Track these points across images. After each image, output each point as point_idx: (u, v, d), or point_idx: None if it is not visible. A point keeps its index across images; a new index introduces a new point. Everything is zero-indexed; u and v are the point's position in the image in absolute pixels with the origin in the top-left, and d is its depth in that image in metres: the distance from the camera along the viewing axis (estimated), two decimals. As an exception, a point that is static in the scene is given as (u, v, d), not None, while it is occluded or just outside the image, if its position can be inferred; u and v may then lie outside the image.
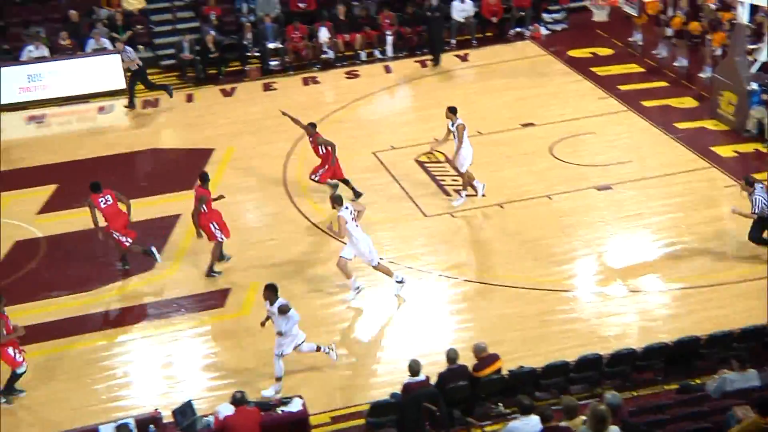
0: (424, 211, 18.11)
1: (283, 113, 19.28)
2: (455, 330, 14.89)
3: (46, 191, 19.64)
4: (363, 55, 26.28)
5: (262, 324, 13.75)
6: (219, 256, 16.49)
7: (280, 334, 13.36)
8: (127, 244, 16.46)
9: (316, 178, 18.32)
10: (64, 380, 14.10)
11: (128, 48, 24.05)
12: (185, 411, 12.12)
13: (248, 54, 25.99)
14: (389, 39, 26.23)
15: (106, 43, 25.37)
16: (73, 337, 15.10)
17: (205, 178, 16.45)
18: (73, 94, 24.64)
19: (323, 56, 26.01)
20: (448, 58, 25.75)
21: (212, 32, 25.65)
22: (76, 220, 17.97)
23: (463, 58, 25.95)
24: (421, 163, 19.88)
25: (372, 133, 21.64)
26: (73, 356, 14.64)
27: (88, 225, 16.76)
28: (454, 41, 26.59)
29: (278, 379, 13.46)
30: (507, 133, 21.13)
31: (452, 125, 17.84)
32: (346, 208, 15.21)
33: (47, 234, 18.00)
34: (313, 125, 18.40)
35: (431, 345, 14.05)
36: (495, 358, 12.65)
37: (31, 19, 26.21)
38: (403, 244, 17.14)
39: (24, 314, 15.43)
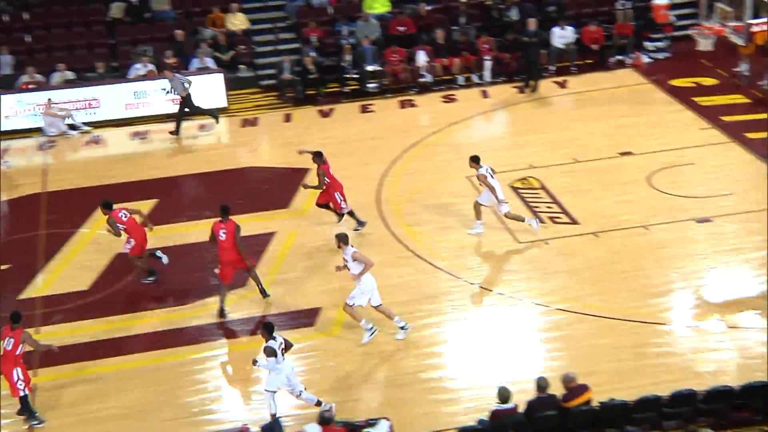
0: (517, 237, 17.96)
1: (302, 152, 19.15)
2: (545, 359, 14.70)
3: (146, 205, 20.08)
4: (461, 79, 26.30)
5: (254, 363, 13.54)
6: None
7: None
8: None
9: (345, 210, 18.31)
10: (157, 392, 14.35)
11: (177, 75, 24.14)
12: (273, 428, 12.22)
13: (347, 76, 26.26)
14: (487, 64, 26.20)
15: (210, 62, 25.96)
16: (168, 349, 15.38)
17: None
18: (176, 112, 25.20)
19: (421, 80, 26.11)
20: (546, 85, 25.59)
21: (312, 53, 26.00)
22: (174, 234, 18.35)
23: (562, 85, 25.75)
24: (515, 189, 19.75)
25: (466, 158, 21.49)
26: (166, 368, 14.91)
27: (185, 240, 17.11)
28: (553, 68, 26.41)
29: (273, 415, 13.18)
30: (604, 161, 20.85)
31: (479, 172, 17.70)
32: (352, 247, 15.00)
33: (148, 247, 18.37)
34: (319, 154, 18.32)
35: (520, 372, 13.90)
36: (585, 388, 12.45)
37: (139, 38, 26.99)
38: (495, 270, 17.03)
39: (121, 325, 15.82)
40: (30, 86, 25.16)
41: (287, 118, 25.01)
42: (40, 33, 27.14)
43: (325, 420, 11.76)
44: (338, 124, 24.39)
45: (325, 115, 25.02)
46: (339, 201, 18.22)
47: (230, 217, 16.11)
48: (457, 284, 16.64)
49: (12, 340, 13.31)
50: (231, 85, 25.85)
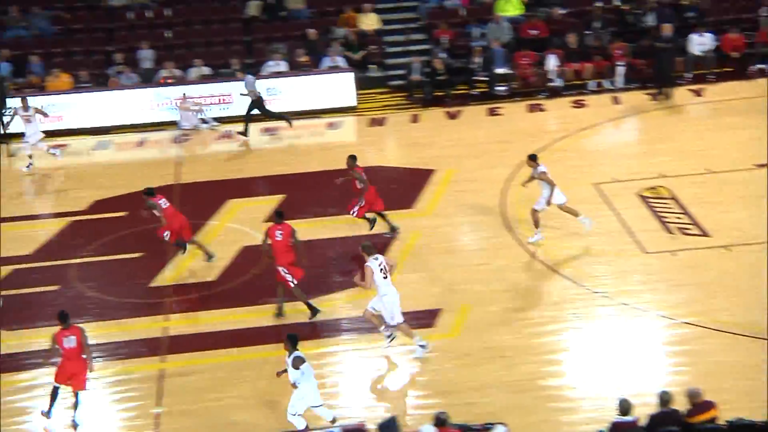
0: (645, 247, 17.56)
1: (339, 181, 18.96)
2: (669, 372, 14.30)
3: (273, 200, 20.46)
4: (592, 84, 25.89)
5: (278, 374, 13.40)
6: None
7: (294, 386, 13.01)
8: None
9: (354, 214, 18.19)
10: (276, 384, 14.53)
11: (249, 77, 24.32)
12: (389, 426, 12.23)
13: (476, 78, 26.17)
14: (620, 70, 25.72)
15: (341, 61, 26.27)
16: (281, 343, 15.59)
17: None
18: (306, 109, 25.65)
19: (551, 84, 25.82)
20: (681, 93, 24.94)
21: (442, 55, 26.02)
22: (300, 230, 18.59)
23: (698, 93, 25.05)
24: (644, 198, 19.30)
25: (594, 164, 21.24)
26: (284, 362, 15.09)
27: (309, 236, 17.35)
28: (689, 75, 25.72)
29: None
30: (739, 173, 20.17)
31: (535, 172, 17.45)
32: (376, 259, 14.65)
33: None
34: (353, 158, 18.26)
35: (642, 385, 13.55)
36: (710, 405, 12.05)
37: (273, 36, 27.55)
38: (619, 279, 16.69)
39: (244, 317, 16.15)
40: (168, 81, 25.98)
41: (414, 119, 25.09)
42: (180, 29, 28.00)
43: (440, 422, 11.73)
44: (465, 126, 24.33)
45: (452, 116, 25.00)
46: (358, 205, 18.08)
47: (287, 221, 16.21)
48: (579, 292, 16.37)
49: (74, 338, 13.52)
50: (360, 84, 26.10)
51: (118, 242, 18.98)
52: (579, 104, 25.11)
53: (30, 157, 22.99)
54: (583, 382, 14.22)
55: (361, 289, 16.76)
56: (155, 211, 17.49)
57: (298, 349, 12.94)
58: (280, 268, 15.77)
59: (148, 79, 26.35)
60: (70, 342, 13.42)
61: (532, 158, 17.74)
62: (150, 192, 17.63)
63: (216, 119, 25.48)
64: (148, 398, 14.19)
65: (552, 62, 25.79)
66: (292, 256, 15.86)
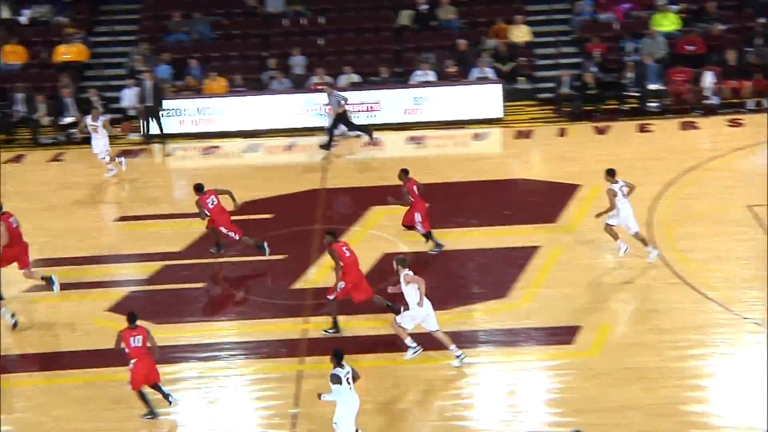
0: (801, 273, 16.80)
1: (389, 203, 18.84)
2: (821, 407, 13.61)
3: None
4: (750, 103, 25.00)
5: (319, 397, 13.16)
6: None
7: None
8: (236, 238, 18.10)
9: (420, 229, 18.14)
10: (410, 392, 14.58)
11: (336, 92, 24.42)
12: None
13: (627, 93, 25.66)
14: (782, 89, 24.79)
15: (489, 72, 26.19)
16: (425, 352, 15.57)
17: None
18: (452, 119, 25.68)
19: (706, 101, 25.06)
20: None
21: (593, 69, 25.62)
22: (440, 239, 18.62)
23: None
24: (801, 223, 18.49)
25: (748, 186, 20.44)
26: (423, 369, 15.08)
27: (451, 246, 17.30)
28: None
29: None
30: None
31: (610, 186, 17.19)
32: (410, 272, 14.75)
33: (413, 250, 18.78)
34: (405, 171, 18.26)
35: (792, 419, 12.97)
36: None
37: (423, 45, 27.71)
38: (773, 306, 16.01)
39: (382, 323, 16.25)
40: (319, 87, 26.47)
41: (562, 133, 24.78)
42: (332, 37, 28.49)
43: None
44: (614, 141, 23.88)
45: (600, 132, 24.57)
46: (417, 221, 18.07)
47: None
48: (728, 317, 15.80)
49: (140, 337, 13.82)
50: (508, 96, 25.97)
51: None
52: (735, 123, 24.28)
53: (114, 162, 23.29)
54: (729, 411, 13.69)
55: (499, 302, 16.69)
56: (199, 211, 18.16)
57: (343, 366, 12.77)
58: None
59: (299, 85, 26.92)
60: (136, 341, 13.81)
61: (610, 173, 17.42)
62: (200, 188, 18.25)
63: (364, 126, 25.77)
64: (286, 398, 14.44)
65: (708, 79, 25.03)
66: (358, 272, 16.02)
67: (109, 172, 23.23)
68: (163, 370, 14.96)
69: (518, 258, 18.08)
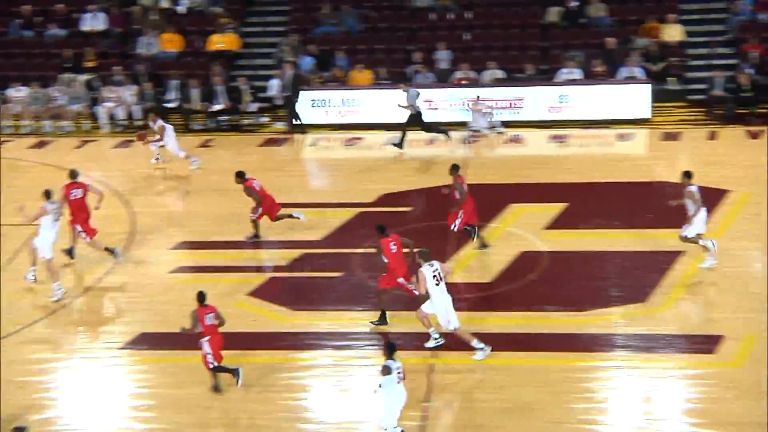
0: None
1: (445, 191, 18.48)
2: None
3: (556, 208, 20.24)
4: None
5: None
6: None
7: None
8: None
9: (455, 228, 18.05)
10: (543, 392, 14.36)
11: (412, 90, 23.96)
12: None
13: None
14: None
15: (638, 72, 25.59)
16: (560, 353, 15.37)
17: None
18: (597, 119, 25.21)
19: None
20: None
21: (749, 71, 24.70)
22: (581, 240, 18.33)
23: None
24: None
25: None
26: (556, 370, 14.86)
27: (589, 247, 16.95)
28: None
29: None
30: None
31: (686, 190, 16.77)
32: (431, 265, 14.73)
33: (551, 249, 18.54)
34: (456, 167, 18.17)
35: None
36: None
37: (571, 43, 27.31)
38: None
39: (515, 322, 16.09)
40: (463, 82, 26.40)
41: (712, 136, 24.00)
42: (478, 32, 28.38)
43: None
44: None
45: (754, 136, 23.69)
46: (458, 217, 17.90)
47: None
48: None
49: (212, 314, 14.30)
50: (657, 96, 25.33)
51: (400, 236, 19.43)
52: None
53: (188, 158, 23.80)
54: None
55: (638, 306, 16.30)
56: (249, 196, 19.01)
57: (393, 359, 12.87)
58: (401, 280, 15.94)
59: (443, 80, 26.92)
60: (210, 319, 14.29)
61: (687, 175, 16.92)
62: (241, 175, 19.15)
63: (505, 123, 25.60)
64: (417, 391, 14.44)
65: None
66: (405, 266, 15.98)
67: (193, 164, 23.79)
68: (298, 356, 15.24)
69: (660, 263, 17.60)
